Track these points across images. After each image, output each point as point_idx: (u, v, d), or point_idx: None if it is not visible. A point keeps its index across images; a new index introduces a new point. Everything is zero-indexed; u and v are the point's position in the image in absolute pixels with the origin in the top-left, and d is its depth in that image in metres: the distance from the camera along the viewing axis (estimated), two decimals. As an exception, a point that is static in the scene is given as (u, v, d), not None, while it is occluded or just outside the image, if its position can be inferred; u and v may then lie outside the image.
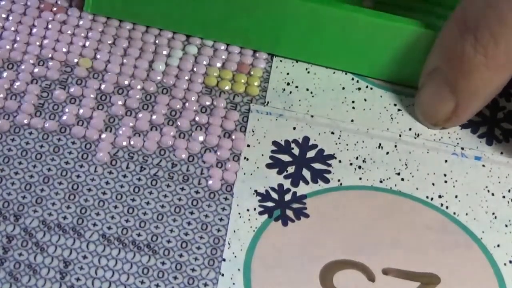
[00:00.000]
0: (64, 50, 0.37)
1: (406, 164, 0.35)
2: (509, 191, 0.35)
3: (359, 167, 0.35)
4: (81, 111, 0.35)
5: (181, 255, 0.32)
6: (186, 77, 0.36)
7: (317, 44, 0.37)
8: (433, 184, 0.35)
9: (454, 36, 0.34)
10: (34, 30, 0.37)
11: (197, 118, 0.36)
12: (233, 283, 0.32)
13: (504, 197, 0.35)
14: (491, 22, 0.33)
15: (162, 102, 0.36)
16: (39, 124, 0.34)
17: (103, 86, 0.36)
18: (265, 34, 0.37)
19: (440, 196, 0.35)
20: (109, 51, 0.37)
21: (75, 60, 0.36)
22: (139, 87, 0.36)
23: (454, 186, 0.35)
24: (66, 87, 0.36)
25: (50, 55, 0.36)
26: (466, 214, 0.34)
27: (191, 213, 0.33)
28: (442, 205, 0.35)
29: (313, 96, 0.37)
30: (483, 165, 0.36)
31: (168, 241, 0.33)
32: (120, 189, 0.34)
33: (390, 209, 0.34)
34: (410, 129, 0.36)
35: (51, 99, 0.35)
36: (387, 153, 0.36)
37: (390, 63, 0.37)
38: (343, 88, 0.37)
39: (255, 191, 0.34)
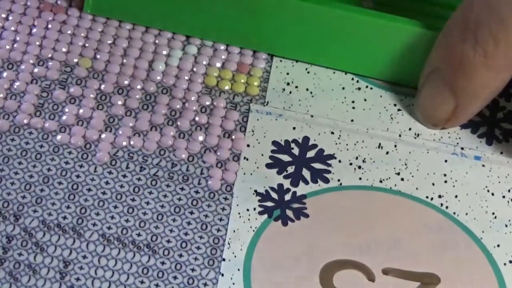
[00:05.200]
0: (64, 50, 0.37)
1: (406, 164, 0.35)
2: (509, 191, 0.35)
3: (359, 167, 0.35)
4: (81, 111, 0.35)
5: (181, 255, 0.32)
6: (186, 77, 0.36)
7: (317, 45, 0.37)
8: (433, 184, 0.35)
9: (454, 37, 0.34)
10: (34, 30, 0.37)
11: (197, 118, 0.36)
12: (233, 283, 0.32)
13: (504, 197, 0.35)
14: (491, 23, 0.33)
15: (162, 102, 0.36)
16: (39, 124, 0.34)
17: (103, 86, 0.36)
18: (265, 35, 0.37)
19: (440, 196, 0.35)
20: (109, 51, 0.37)
21: (75, 60, 0.36)
22: (139, 87, 0.36)
23: (454, 186, 0.35)
24: (66, 87, 0.36)
25: (50, 55, 0.36)
26: (466, 214, 0.34)
27: (191, 213, 0.33)
28: (442, 205, 0.35)
29: (313, 96, 0.37)
30: (483, 165, 0.36)
31: (168, 241, 0.33)
32: (120, 189, 0.34)
33: (390, 209, 0.34)
34: (410, 129, 0.36)
35: (51, 99, 0.35)
36: (387, 153, 0.36)
37: (390, 64, 0.37)
38: (343, 88, 0.37)
39: (255, 191, 0.34)
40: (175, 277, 0.32)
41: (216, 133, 0.35)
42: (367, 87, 0.37)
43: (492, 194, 0.35)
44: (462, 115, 0.36)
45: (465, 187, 0.35)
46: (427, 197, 0.35)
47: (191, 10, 0.36)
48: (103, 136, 0.35)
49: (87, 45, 0.37)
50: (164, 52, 0.37)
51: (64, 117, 0.35)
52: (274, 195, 0.34)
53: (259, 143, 0.35)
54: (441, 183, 0.35)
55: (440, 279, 0.33)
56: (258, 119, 0.36)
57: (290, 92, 0.37)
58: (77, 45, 0.37)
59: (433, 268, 0.33)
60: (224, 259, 0.33)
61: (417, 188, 0.35)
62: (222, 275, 0.32)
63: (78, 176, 0.34)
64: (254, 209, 0.34)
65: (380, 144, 0.36)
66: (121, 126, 0.35)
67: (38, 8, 0.37)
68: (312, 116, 0.36)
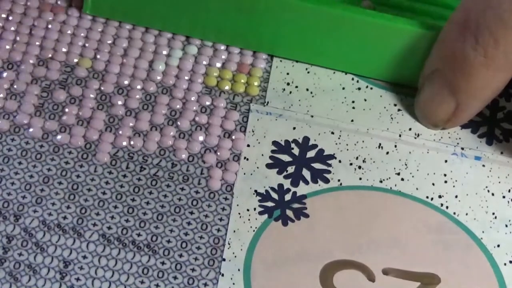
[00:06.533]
0: (64, 50, 0.37)
1: (406, 164, 0.35)
2: (509, 191, 0.35)
3: (359, 167, 0.35)
4: (81, 111, 0.35)
5: (181, 255, 0.32)
6: (186, 77, 0.37)
7: (317, 45, 0.37)
8: (433, 184, 0.35)
9: (454, 37, 0.34)
10: (34, 30, 0.37)
11: (197, 118, 0.36)
12: (233, 283, 0.32)
13: (504, 197, 0.35)
14: (491, 23, 0.33)
15: (162, 102, 0.36)
16: (39, 124, 0.34)
17: (103, 86, 0.36)
18: (265, 35, 0.37)
19: (440, 196, 0.35)
20: (109, 51, 0.37)
21: (75, 60, 0.36)
22: (139, 87, 0.36)
23: (454, 186, 0.35)
24: (66, 87, 0.36)
25: (50, 55, 0.36)
26: (466, 214, 0.35)
27: (191, 213, 0.33)
28: (442, 205, 0.35)
29: (313, 96, 0.37)
30: (483, 165, 0.36)
31: (168, 241, 0.33)
32: (120, 189, 0.34)
33: (390, 209, 0.34)
34: (410, 129, 0.36)
35: (51, 99, 0.35)
36: (387, 153, 0.36)
37: (390, 64, 0.37)
38: (343, 88, 0.37)
39: (255, 191, 0.34)
40: (175, 277, 0.32)
41: (216, 133, 0.35)
42: (367, 87, 0.37)
43: (492, 194, 0.35)
44: (462, 115, 0.36)
45: (465, 187, 0.35)
46: (427, 197, 0.35)
47: (191, 11, 0.36)
48: (103, 136, 0.35)
49: (87, 45, 0.37)
50: (164, 52, 0.37)
51: (64, 117, 0.35)
52: (274, 195, 0.34)
53: (259, 143, 0.35)
54: (441, 183, 0.35)
55: (440, 279, 0.33)
56: (258, 119, 0.36)
57: (290, 92, 0.37)
58: (77, 45, 0.37)
59: (433, 268, 0.33)
60: (224, 259, 0.33)
61: (417, 188, 0.35)
62: (222, 275, 0.32)
63: (78, 176, 0.34)
64: (254, 209, 0.34)
65: (380, 144, 0.36)
66: (121, 126, 0.35)
67: (38, 8, 0.37)
68: (312, 116, 0.36)
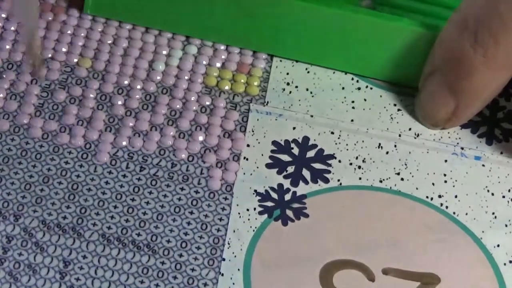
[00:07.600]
0: (64, 50, 0.37)
1: (406, 164, 0.35)
2: (509, 191, 0.35)
3: (359, 167, 0.35)
4: (81, 111, 0.35)
5: (180, 255, 0.32)
6: (186, 77, 0.37)
7: (317, 45, 0.37)
8: (433, 184, 0.35)
9: (454, 37, 0.34)
10: (34, 30, 0.37)
11: (197, 118, 0.36)
12: (233, 283, 0.32)
13: (504, 197, 0.35)
14: (491, 23, 0.33)
15: (162, 102, 0.36)
16: (39, 124, 0.34)
17: (103, 86, 0.36)
18: (265, 35, 0.37)
19: (440, 196, 0.35)
20: (109, 51, 0.37)
21: (75, 60, 0.36)
22: (139, 87, 0.36)
23: (454, 186, 0.35)
24: (66, 87, 0.36)
25: (50, 55, 0.36)
26: (466, 214, 0.34)
27: (191, 213, 0.33)
28: (442, 205, 0.35)
29: (313, 96, 0.37)
30: (483, 165, 0.36)
31: (168, 241, 0.33)
32: (120, 189, 0.34)
33: (390, 209, 0.34)
34: (410, 129, 0.36)
35: (51, 99, 0.35)
36: (387, 153, 0.36)
37: (390, 64, 0.37)
38: (343, 88, 0.37)
39: (255, 191, 0.34)
40: (175, 277, 0.32)
41: (216, 133, 0.35)
42: (367, 87, 0.37)
43: (492, 194, 0.35)
44: (462, 115, 0.36)
45: (465, 187, 0.35)
46: (427, 197, 0.35)
47: (191, 11, 0.36)
48: (103, 136, 0.35)
49: (87, 45, 0.37)
50: (164, 52, 0.37)
51: (64, 117, 0.35)
52: (274, 195, 0.34)
53: (259, 143, 0.35)
54: (441, 183, 0.35)
55: (440, 279, 0.33)
56: (258, 119, 0.36)
57: (290, 92, 0.37)
58: (77, 45, 0.37)
59: (433, 268, 0.33)
60: (224, 259, 0.33)
61: (417, 188, 0.35)
62: (222, 275, 0.32)
63: (78, 176, 0.34)
64: (254, 209, 0.34)
65: (380, 144, 0.36)
66: (121, 126, 0.35)
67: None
68: (312, 116, 0.36)
